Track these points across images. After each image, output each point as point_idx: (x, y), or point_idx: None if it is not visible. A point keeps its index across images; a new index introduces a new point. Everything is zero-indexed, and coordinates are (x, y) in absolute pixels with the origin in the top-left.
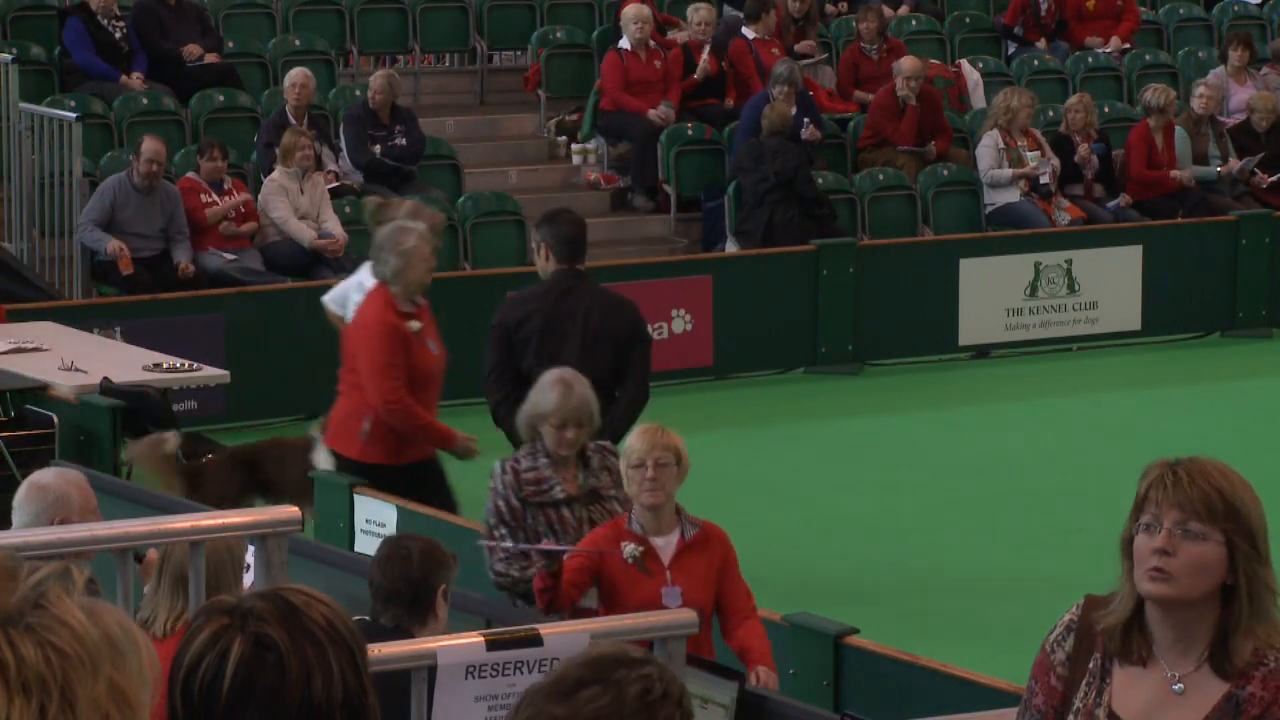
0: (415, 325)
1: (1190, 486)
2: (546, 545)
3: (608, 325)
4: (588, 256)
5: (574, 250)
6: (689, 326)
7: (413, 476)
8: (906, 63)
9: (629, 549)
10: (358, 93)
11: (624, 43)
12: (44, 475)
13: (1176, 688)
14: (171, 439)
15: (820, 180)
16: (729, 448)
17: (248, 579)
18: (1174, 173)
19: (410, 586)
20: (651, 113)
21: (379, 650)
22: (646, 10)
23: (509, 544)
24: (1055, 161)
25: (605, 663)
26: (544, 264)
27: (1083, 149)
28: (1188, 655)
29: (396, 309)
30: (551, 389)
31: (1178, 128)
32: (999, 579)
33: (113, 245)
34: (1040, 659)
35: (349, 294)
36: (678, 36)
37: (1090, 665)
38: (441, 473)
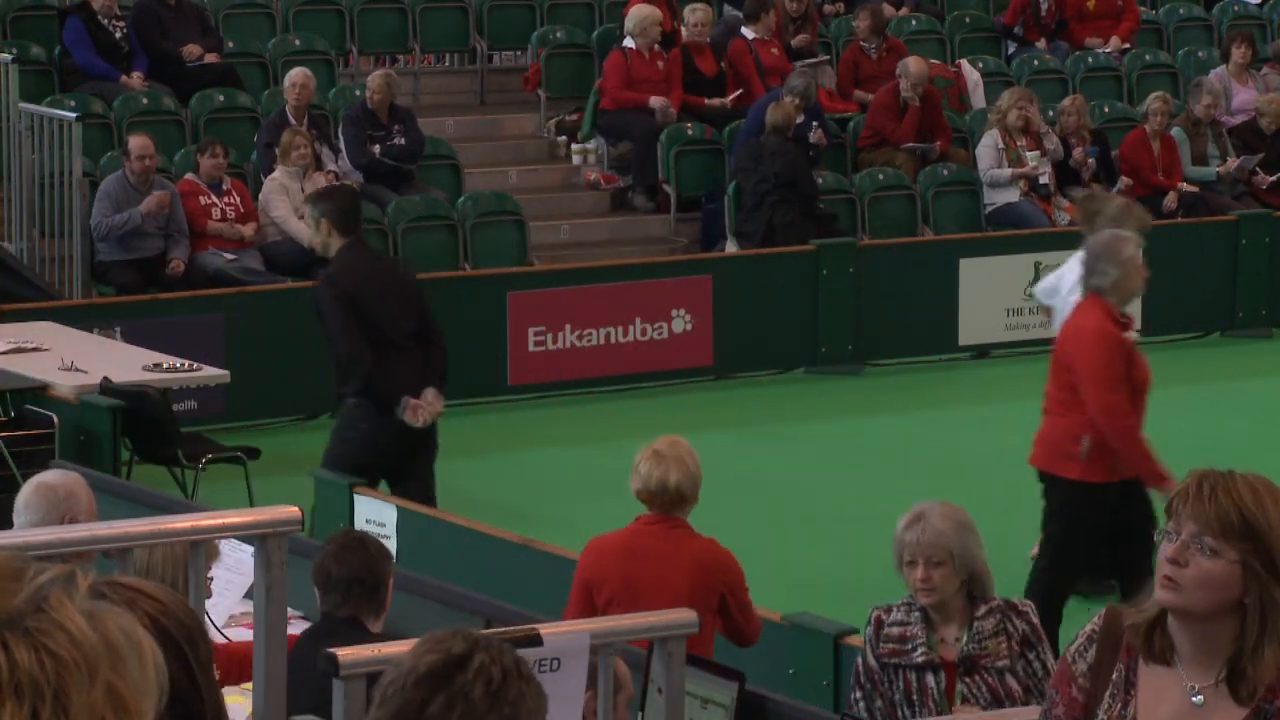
0: (1133, 335)
1: (1211, 501)
2: None
3: (408, 280)
4: (590, 256)
5: (355, 220)
6: (689, 326)
7: (1125, 493)
8: (913, 65)
9: None
10: (358, 93)
11: (628, 42)
12: (49, 476)
13: (1196, 699)
14: None
15: (820, 180)
16: (729, 448)
17: (244, 581)
18: (1179, 186)
19: (372, 575)
20: (653, 100)
21: (378, 651)
22: (658, 12)
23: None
24: (1055, 148)
25: (438, 674)
26: (326, 238)
27: (1077, 153)
28: (1207, 668)
29: (1115, 319)
30: (902, 521)
31: (1176, 129)
32: (998, 579)
33: (146, 203)
34: (1061, 669)
35: (1061, 288)
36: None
37: (1114, 676)
38: (1146, 494)
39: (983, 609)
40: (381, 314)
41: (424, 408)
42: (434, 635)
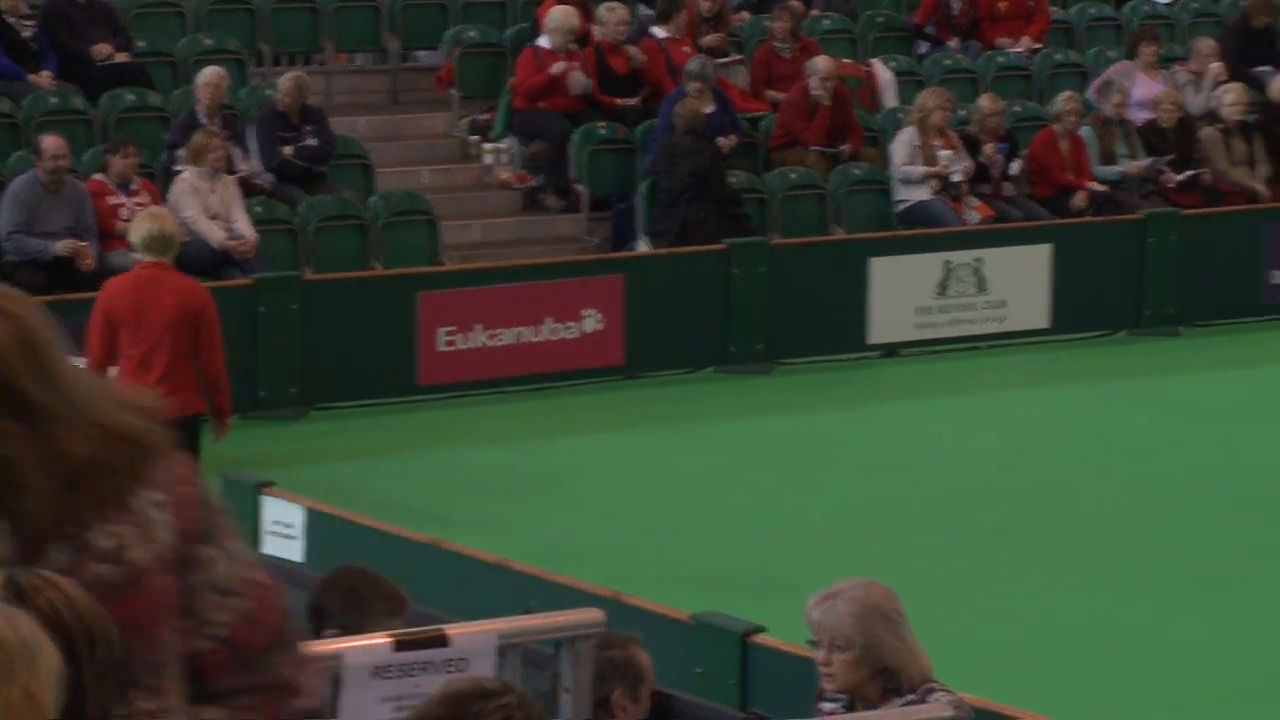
0: None
1: None
2: None
3: None
4: (501, 255)
5: None
6: (600, 326)
7: None
8: (821, 63)
9: None
10: (269, 92)
11: (542, 41)
12: None
13: None
14: None
15: (732, 179)
16: (640, 447)
17: None
18: (1088, 185)
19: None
20: (554, 66)
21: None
22: (575, 17)
23: None
24: (968, 162)
25: (462, 698)
26: None
27: (988, 148)
28: None
29: None
30: (814, 596)
31: (1085, 128)
32: (909, 577)
33: (63, 245)
34: None
35: None
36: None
37: None
38: None
39: (897, 703)
40: None
41: None
42: (472, 675)
